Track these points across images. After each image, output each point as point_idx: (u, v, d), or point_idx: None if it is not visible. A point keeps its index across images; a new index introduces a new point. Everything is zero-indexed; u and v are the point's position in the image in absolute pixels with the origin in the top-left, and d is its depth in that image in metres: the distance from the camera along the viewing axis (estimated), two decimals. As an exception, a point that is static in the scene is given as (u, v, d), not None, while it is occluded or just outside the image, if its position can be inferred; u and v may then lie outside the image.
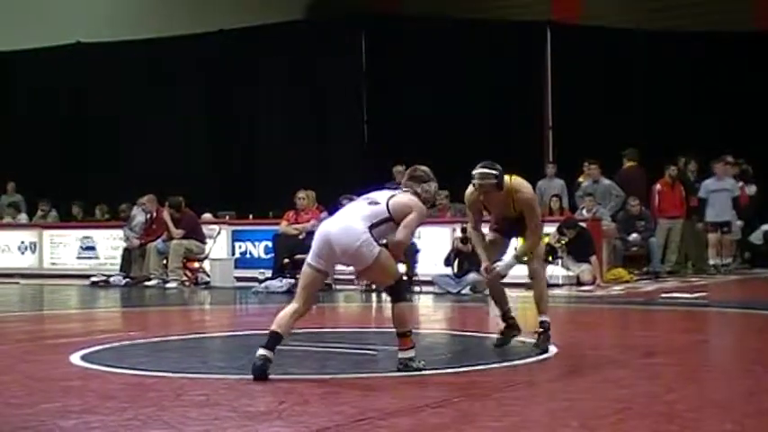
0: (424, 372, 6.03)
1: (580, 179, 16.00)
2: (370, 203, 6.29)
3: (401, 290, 6.37)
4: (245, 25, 18.19)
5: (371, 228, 6.12)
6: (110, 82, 19.59)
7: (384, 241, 6.29)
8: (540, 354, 6.83)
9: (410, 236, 6.45)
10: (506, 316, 7.51)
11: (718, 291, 12.87)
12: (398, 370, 6.10)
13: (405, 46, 17.87)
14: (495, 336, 7.53)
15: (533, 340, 7.19)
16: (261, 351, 5.86)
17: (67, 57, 19.87)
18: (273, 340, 5.92)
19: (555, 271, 13.66)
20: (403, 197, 6.44)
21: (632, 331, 9.15)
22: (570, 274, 13.74)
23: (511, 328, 7.42)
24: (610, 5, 21.65)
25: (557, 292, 13.09)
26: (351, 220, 6.14)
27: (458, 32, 17.97)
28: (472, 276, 12.78)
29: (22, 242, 18.06)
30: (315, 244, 6.19)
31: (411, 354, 6.16)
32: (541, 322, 7.11)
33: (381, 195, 6.41)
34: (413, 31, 18.23)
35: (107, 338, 8.00)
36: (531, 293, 12.75)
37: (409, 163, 15.75)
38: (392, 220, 6.24)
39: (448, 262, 13.16)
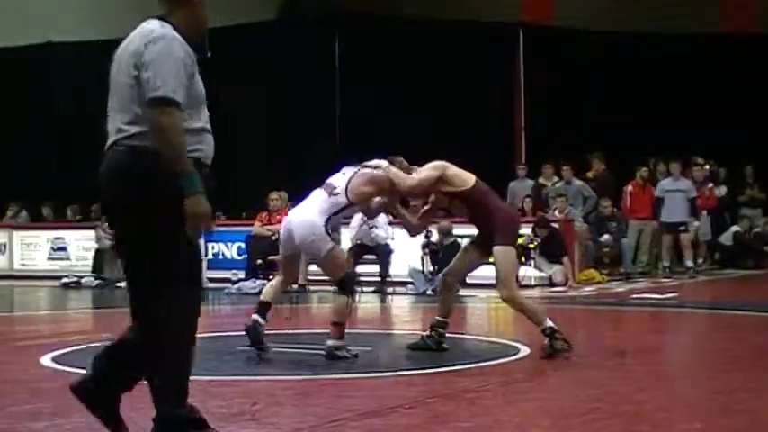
0: (398, 372, 6.04)
1: (541, 180, 16.07)
2: (330, 194, 6.73)
3: (347, 286, 6.77)
4: (221, 25, 18.15)
5: (329, 219, 6.63)
6: (80, 81, 19.46)
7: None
8: (560, 352, 6.67)
9: (410, 182, 6.96)
10: (440, 326, 7.18)
11: (689, 291, 12.97)
12: (325, 357, 6.53)
13: (377, 46, 17.88)
14: (469, 336, 7.53)
15: (503, 340, 7.18)
16: (253, 316, 6.78)
17: (38, 56, 19.72)
18: (263, 308, 6.86)
19: (527, 272, 13.72)
20: (360, 178, 6.77)
21: (603, 331, 9.20)
22: (542, 274, 13.81)
23: (434, 339, 7.10)
24: (581, 7, 21.75)
25: (529, 292, 13.14)
26: (310, 213, 6.67)
27: (430, 33, 18.01)
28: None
29: (-8, 243, 17.92)
30: (281, 232, 7.01)
31: (339, 342, 6.60)
32: (543, 331, 6.85)
33: (340, 180, 6.81)
34: (385, 31, 18.25)
35: (79, 340, 7.94)
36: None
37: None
38: (352, 204, 6.82)
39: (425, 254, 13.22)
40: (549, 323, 6.83)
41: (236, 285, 13.48)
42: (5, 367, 6.61)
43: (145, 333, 4.00)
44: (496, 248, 6.97)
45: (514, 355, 6.89)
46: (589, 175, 16.02)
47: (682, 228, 15.14)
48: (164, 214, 3.80)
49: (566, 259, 13.72)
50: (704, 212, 16.00)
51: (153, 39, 3.91)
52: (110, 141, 4.00)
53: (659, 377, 6.19)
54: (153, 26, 4.00)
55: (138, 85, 3.88)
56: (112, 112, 4.04)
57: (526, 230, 13.80)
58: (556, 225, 14.05)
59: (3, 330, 9.66)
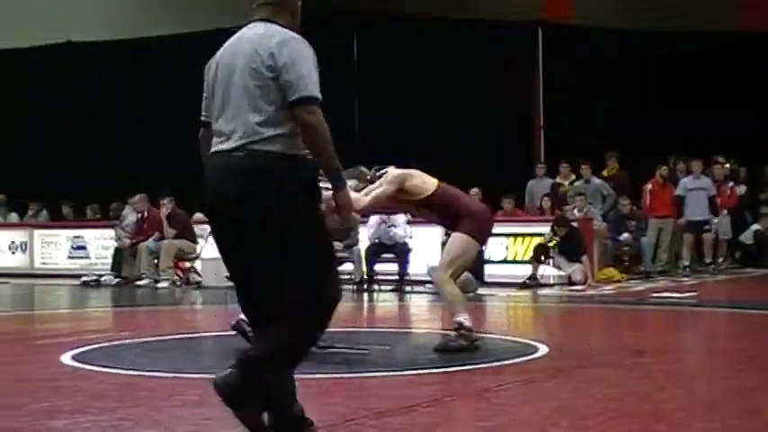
0: (416, 371, 6.04)
1: (557, 179, 16.05)
2: None
3: None
4: (236, 25, 18.17)
5: None
6: (101, 81, 19.57)
7: None
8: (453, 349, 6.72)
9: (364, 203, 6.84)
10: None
11: (709, 290, 12.90)
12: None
13: (395, 46, 17.89)
14: (487, 335, 7.52)
15: (524, 340, 7.18)
16: None
17: (58, 56, 19.83)
18: None
19: (546, 270, 13.70)
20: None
21: (622, 331, 9.17)
22: (562, 273, 13.77)
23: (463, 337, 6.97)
24: (601, 5, 21.68)
25: (548, 291, 13.13)
26: None
27: (449, 32, 17.99)
28: (463, 275, 12.79)
29: (13, 242, 18.02)
30: None
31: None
32: (454, 324, 6.89)
33: None
34: (404, 30, 18.25)
35: (98, 338, 7.99)
36: (523, 293, 12.84)
37: (399, 163, 15.70)
38: None
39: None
40: (461, 318, 6.88)
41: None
42: (25, 365, 6.65)
43: (286, 325, 3.91)
44: (455, 234, 6.94)
45: (533, 354, 6.87)
46: (604, 173, 15.98)
47: (707, 227, 15.18)
48: (301, 219, 3.85)
49: (585, 258, 13.68)
50: (725, 211, 15.95)
51: (283, 41, 3.91)
52: (232, 144, 3.90)
53: (678, 377, 6.17)
54: (272, 29, 3.98)
55: (270, 87, 3.87)
56: (226, 115, 3.96)
57: (545, 229, 13.79)
58: (575, 224, 14.01)
59: (23, 329, 9.73)
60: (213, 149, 4.01)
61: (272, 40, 3.91)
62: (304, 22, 4.16)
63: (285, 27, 4.01)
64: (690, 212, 15.20)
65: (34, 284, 15.79)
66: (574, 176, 15.76)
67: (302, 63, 3.87)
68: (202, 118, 4.17)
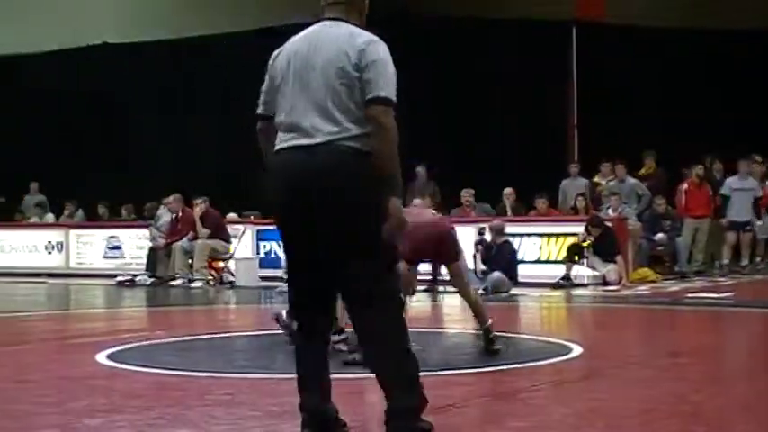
0: (449, 371, 6.02)
1: (595, 179, 15.96)
2: None
3: None
4: (271, 25, 18.27)
5: None
6: (136, 82, 19.71)
7: None
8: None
9: None
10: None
11: (745, 291, 12.77)
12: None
13: (428, 45, 17.85)
14: (521, 336, 7.48)
15: (558, 341, 7.14)
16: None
17: (94, 57, 20.00)
18: None
19: (581, 271, 13.62)
20: None
21: (657, 331, 9.10)
22: (596, 273, 13.69)
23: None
24: (635, 4, 21.51)
25: (582, 291, 13.05)
26: None
27: (482, 32, 17.92)
28: (496, 275, 12.77)
29: (49, 242, 18.19)
30: None
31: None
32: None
33: None
34: (436, 30, 18.20)
35: (133, 338, 8.03)
36: (557, 293, 12.77)
37: (432, 163, 15.86)
38: None
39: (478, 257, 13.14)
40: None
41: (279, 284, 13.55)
42: (62, 364, 6.71)
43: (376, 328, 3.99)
44: None
45: (567, 354, 6.83)
46: (642, 172, 15.87)
47: (748, 228, 15.09)
48: (380, 214, 3.89)
49: (619, 258, 13.59)
50: (763, 210, 15.79)
51: (372, 41, 3.95)
52: (317, 140, 3.89)
53: (715, 377, 6.11)
54: (355, 30, 4.01)
55: (356, 87, 3.88)
56: (305, 110, 3.94)
57: (578, 229, 13.71)
58: (609, 224, 13.92)
59: (59, 328, 9.81)
60: (287, 144, 3.97)
61: (359, 40, 3.94)
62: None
63: (358, 27, 4.05)
64: (734, 213, 15.11)
65: (70, 284, 15.92)
66: (613, 176, 15.68)
67: (385, 66, 3.91)
68: (262, 111, 4.13)
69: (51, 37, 19.89)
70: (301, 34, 4.12)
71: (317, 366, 4.14)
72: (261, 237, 15.98)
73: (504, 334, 8.37)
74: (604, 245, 13.53)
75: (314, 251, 3.99)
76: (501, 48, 17.50)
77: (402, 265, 4.66)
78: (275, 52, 4.14)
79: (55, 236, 18.19)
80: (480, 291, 12.69)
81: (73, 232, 18.06)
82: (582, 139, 17.68)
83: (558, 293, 12.81)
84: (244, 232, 15.74)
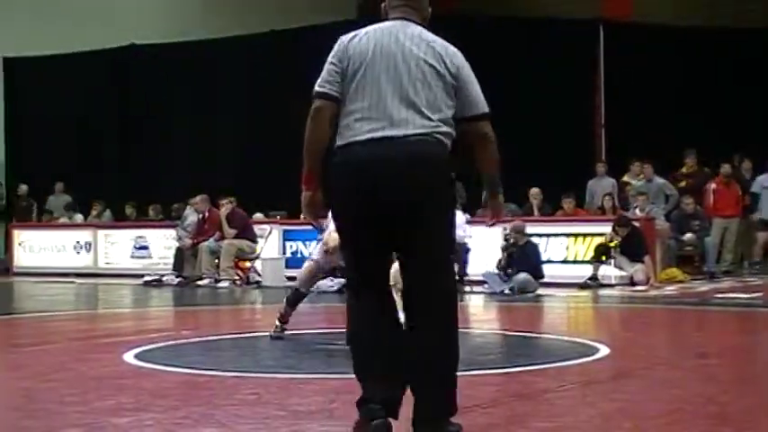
0: (475, 372, 6.00)
1: (625, 178, 15.88)
2: None
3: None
4: (296, 26, 18.30)
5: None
6: (163, 83, 19.81)
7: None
8: None
9: None
10: None
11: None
12: None
13: (455, 45, 17.78)
14: (547, 336, 7.45)
15: (582, 340, 7.10)
16: None
17: (122, 58, 20.12)
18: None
19: (608, 271, 13.56)
20: None
21: (686, 332, 9.03)
22: (623, 273, 13.62)
23: None
24: (660, 2, 21.39)
25: (609, 292, 12.99)
26: None
27: (509, 31, 17.85)
28: (522, 276, 12.73)
29: (78, 242, 18.32)
30: None
31: None
32: None
33: None
34: (463, 30, 18.14)
35: (160, 337, 8.07)
36: (584, 294, 12.72)
37: (458, 163, 15.47)
38: None
39: (500, 265, 13.10)
40: None
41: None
42: (90, 363, 6.75)
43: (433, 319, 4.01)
44: None
45: (594, 355, 6.79)
46: (683, 170, 15.75)
47: None
48: (451, 208, 4.14)
49: (647, 258, 13.52)
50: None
51: (457, 52, 4.16)
52: (409, 131, 3.94)
53: (743, 379, 6.06)
54: (431, 35, 4.16)
55: (451, 92, 4.07)
56: (391, 101, 3.97)
57: (606, 229, 13.65)
58: (636, 223, 13.84)
59: (87, 327, 9.87)
60: (379, 134, 3.94)
61: (450, 48, 4.14)
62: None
63: None
64: (765, 211, 15.00)
65: (98, 284, 16.02)
66: (643, 175, 15.59)
67: (476, 81, 4.19)
68: (328, 90, 4.05)
69: (80, 38, 20.02)
70: (379, 26, 4.13)
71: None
72: (287, 237, 16.02)
73: (531, 334, 8.36)
74: (632, 245, 13.47)
75: (385, 238, 4.02)
76: (527, 46, 17.42)
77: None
78: (348, 36, 4.11)
79: (83, 236, 18.32)
80: (506, 291, 12.69)
81: (101, 232, 18.18)
82: (609, 138, 17.58)
83: (585, 294, 12.75)
84: (270, 232, 15.78)
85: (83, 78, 20.25)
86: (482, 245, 13.74)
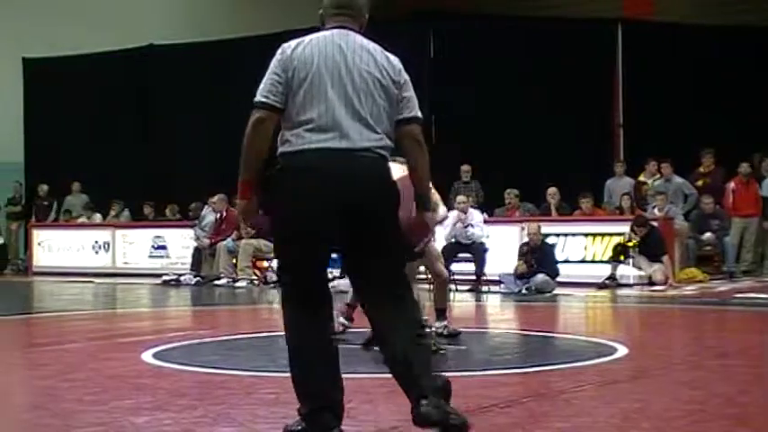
0: (493, 371, 6.00)
1: (641, 177, 15.82)
2: None
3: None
4: (312, 25, 18.28)
5: None
6: (181, 83, 19.86)
7: None
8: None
9: None
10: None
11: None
12: None
13: (473, 44, 17.77)
14: (565, 336, 7.43)
15: (601, 340, 7.07)
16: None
17: (139, 59, 20.19)
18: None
19: (626, 270, 13.51)
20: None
21: (705, 332, 8.99)
22: (642, 273, 13.57)
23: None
24: (682, 2, 21.30)
25: (628, 291, 12.94)
26: None
27: (527, 30, 17.82)
28: (540, 277, 12.71)
29: (96, 242, 18.40)
30: None
31: None
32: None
33: None
34: (481, 28, 18.14)
35: (178, 337, 8.10)
36: (602, 293, 12.67)
37: (477, 163, 15.85)
38: None
39: (516, 273, 13.06)
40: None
41: (331, 283, 13.56)
42: (109, 363, 6.77)
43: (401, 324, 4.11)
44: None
45: (612, 355, 6.77)
46: (701, 170, 15.67)
47: None
48: (398, 219, 4.13)
49: (666, 258, 13.46)
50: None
51: (397, 59, 4.14)
52: (360, 144, 3.98)
53: (763, 379, 6.02)
54: (373, 44, 4.14)
55: (394, 104, 4.07)
56: (347, 113, 3.99)
57: (624, 229, 13.60)
58: (655, 223, 13.79)
59: (106, 327, 9.91)
60: (327, 145, 3.96)
61: (392, 57, 4.12)
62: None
63: None
64: None
65: (116, 283, 16.09)
66: (659, 174, 15.52)
67: (412, 87, 4.16)
68: (273, 102, 4.05)
69: (98, 39, 20.11)
70: (320, 35, 4.13)
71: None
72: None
73: (548, 334, 8.34)
74: (650, 245, 13.41)
75: (330, 250, 4.17)
76: (546, 46, 17.38)
77: None
78: (290, 45, 4.09)
79: (101, 236, 18.40)
80: (523, 291, 12.67)
81: (119, 232, 18.26)
82: (627, 137, 17.51)
83: (603, 293, 12.71)
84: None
85: (101, 79, 20.33)
86: (500, 244, 13.73)
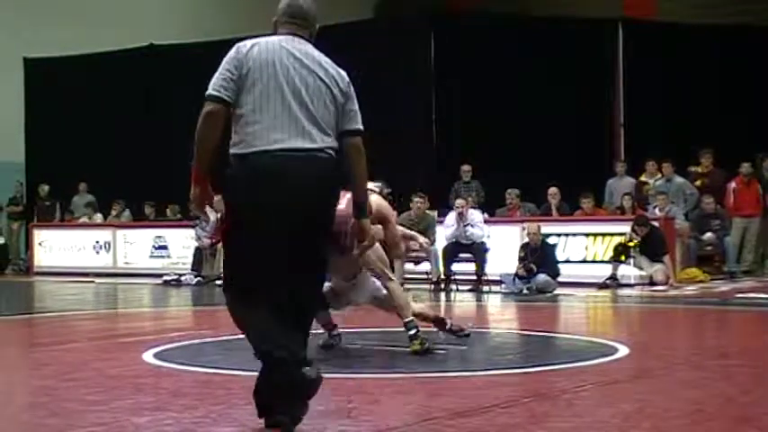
0: (494, 371, 6.00)
1: (642, 178, 15.82)
2: None
3: None
4: (322, 24, 18.23)
5: None
6: (181, 83, 19.85)
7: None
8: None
9: None
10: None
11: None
12: None
13: (474, 44, 17.77)
14: (566, 336, 7.43)
15: (602, 340, 7.07)
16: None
17: (140, 59, 20.20)
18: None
19: (627, 271, 13.51)
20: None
21: (706, 332, 8.99)
22: (643, 273, 13.57)
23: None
24: (684, 1, 21.29)
25: (629, 291, 12.94)
26: None
27: (528, 30, 17.82)
28: (541, 277, 12.71)
29: (97, 242, 18.41)
30: None
31: None
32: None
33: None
34: (482, 28, 18.12)
35: (179, 337, 8.10)
36: (603, 293, 12.67)
37: (477, 163, 15.85)
38: None
39: (517, 274, 13.05)
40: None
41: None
42: (109, 363, 6.77)
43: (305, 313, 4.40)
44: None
45: (613, 355, 6.77)
46: (699, 169, 15.66)
47: None
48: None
49: (666, 258, 13.46)
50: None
51: (344, 72, 4.31)
52: (314, 145, 4.13)
53: (764, 379, 6.02)
54: (320, 54, 4.28)
55: (339, 110, 4.24)
56: (300, 116, 4.14)
57: (625, 229, 13.60)
58: (656, 223, 13.79)
59: (107, 327, 9.92)
60: (285, 145, 4.08)
61: (338, 69, 4.28)
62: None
63: None
64: None
65: (117, 283, 16.09)
66: (660, 175, 15.52)
67: (356, 100, 4.32)
68: (225, 96, 4.17)
69: (99, 39, 20.12)
70: (273, 39, 4.26)
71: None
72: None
73: (549, 334, 8.34)
74: (651, 244, 13.41)
75: (284, 250, 4.16)
76: (546, 45, 17.38)
77: None
78: (246, 45, 4.23)
79: (102, 236, 18.41)
80: (524, 291, 12.67)
81: (120, 232, 18.27)
82: (628, 137, 17.52)
83: (604, 294, 12.71)
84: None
85: (101, 79, 20.33)
86: (501, 244, 13.73)
